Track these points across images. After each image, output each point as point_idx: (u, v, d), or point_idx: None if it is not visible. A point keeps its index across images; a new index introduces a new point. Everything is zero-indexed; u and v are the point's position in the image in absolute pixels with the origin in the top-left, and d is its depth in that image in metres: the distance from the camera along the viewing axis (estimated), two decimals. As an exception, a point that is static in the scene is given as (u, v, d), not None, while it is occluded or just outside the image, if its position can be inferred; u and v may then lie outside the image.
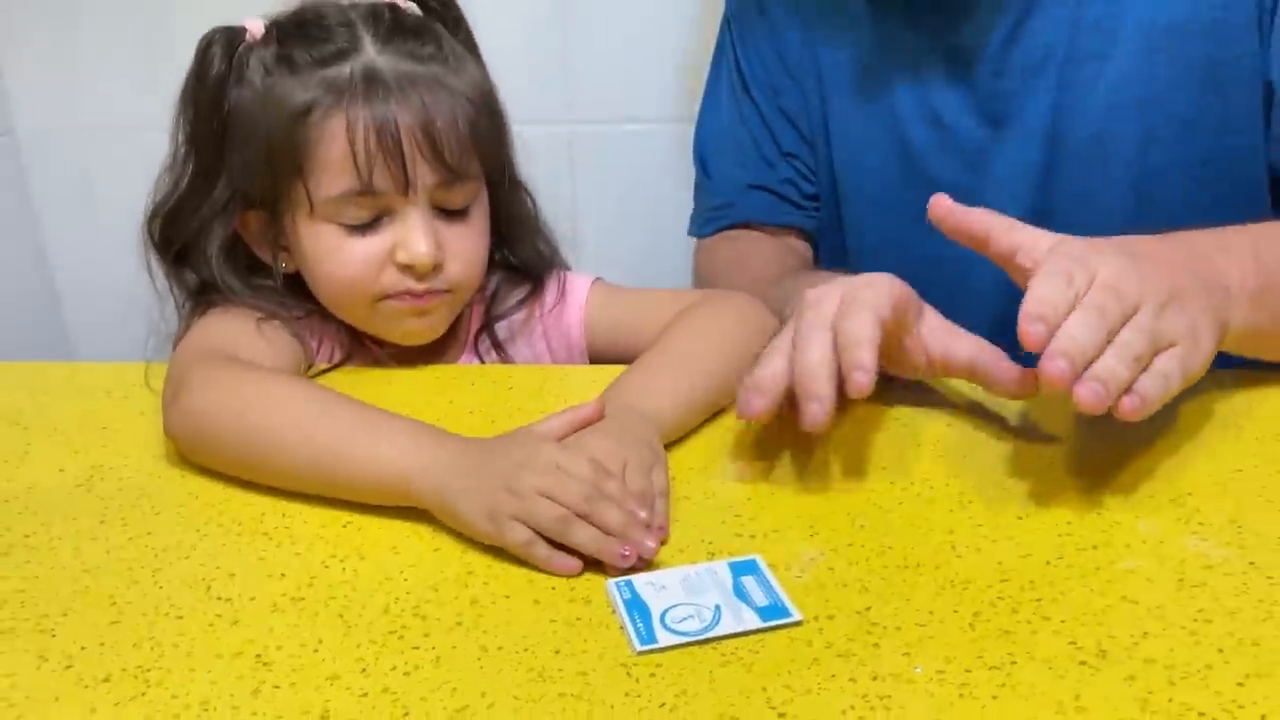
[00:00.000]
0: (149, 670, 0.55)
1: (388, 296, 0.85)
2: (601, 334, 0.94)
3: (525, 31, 1.29)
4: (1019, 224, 0.68)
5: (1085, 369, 0.59)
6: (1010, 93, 0.92)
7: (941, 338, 0.72)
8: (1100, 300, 0.61)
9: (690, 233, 1.14)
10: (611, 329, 0.93)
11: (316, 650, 0.56)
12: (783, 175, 1.07)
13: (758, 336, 0.84)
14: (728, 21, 1.10)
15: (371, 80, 0.81)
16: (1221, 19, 0.85)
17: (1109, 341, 0.60)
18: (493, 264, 0.93)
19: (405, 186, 0.82)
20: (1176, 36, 0.87)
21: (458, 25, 0.90)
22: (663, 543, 0.63)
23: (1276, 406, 0.76)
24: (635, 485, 0.64)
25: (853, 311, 0.66)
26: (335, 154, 0.81)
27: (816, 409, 0.64)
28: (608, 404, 0.72)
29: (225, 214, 0.86)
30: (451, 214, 0.86)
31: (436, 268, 0.84)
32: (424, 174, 0.82)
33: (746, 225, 1.08)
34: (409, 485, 0.65)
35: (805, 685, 0.52)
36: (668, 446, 0.72)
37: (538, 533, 0.61)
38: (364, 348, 0.90)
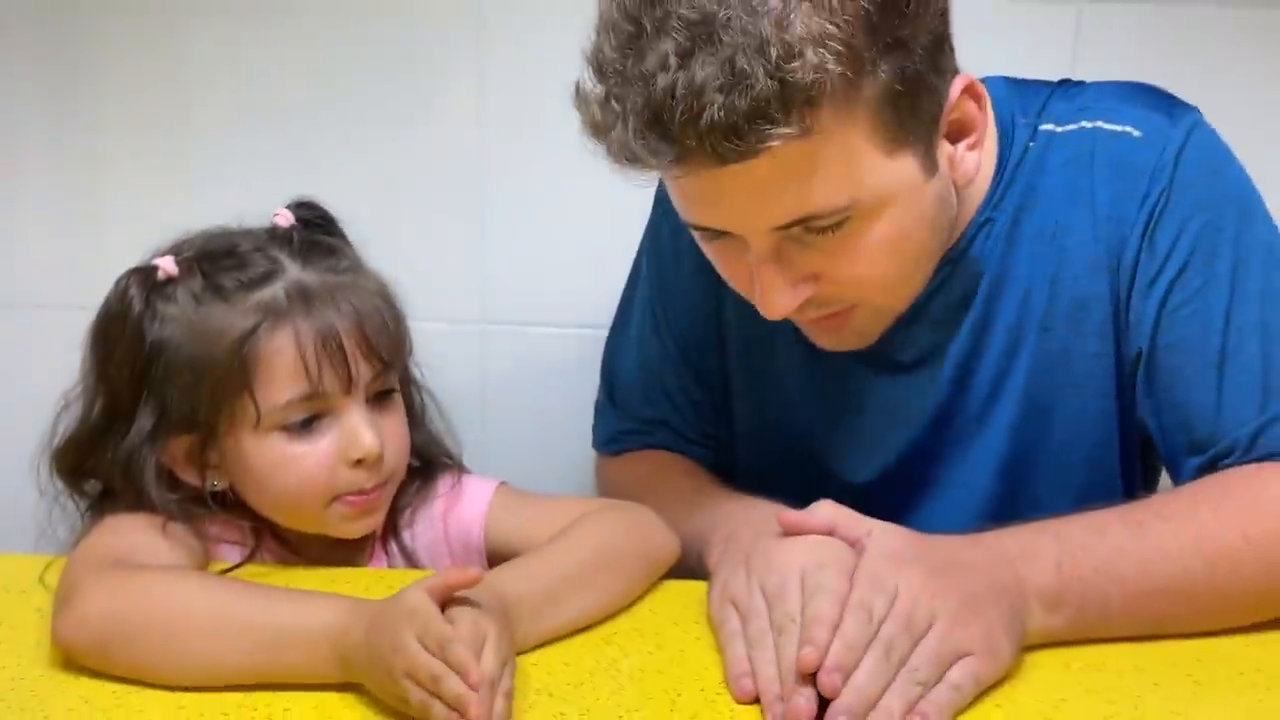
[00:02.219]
0: None
1: (337, 499, 0.91)
2: (501, 538, 0.97)
3: (442, 230, 1.33)
4: (854, 516, 0.80)
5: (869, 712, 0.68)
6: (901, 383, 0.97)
7: None
8: (893, 634, 0.71)
9: (594, 446, 1.17)
10: (510, 533, 0.96)
11: None
12: (687, 415, 1.10)
13: (646, 552, 0.89)
14: (644, 252, 1.11)
15: (305, 295, 0.89)
16: (1079, 307, 0.91)
17: (899, 670, 0.70)
18: None
19: (349, 385, 0.89)
20: (1036, 331, 0.93)
21: (344, 240, 0.97)
22: None
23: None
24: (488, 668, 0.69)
25: (818, 598, 0.73)
26: (283, 365, 0.87)
27: (801, 704, 0.69)
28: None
29: (153, 441, 0.90)
30: (380, 405, 0.92)
31: (380, 457, 0.90)
32: (363, 370, 0.90)
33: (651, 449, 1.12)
34: (332, 642, 0.73)
35: None
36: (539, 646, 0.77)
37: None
38: (269, 549, 0.93)
